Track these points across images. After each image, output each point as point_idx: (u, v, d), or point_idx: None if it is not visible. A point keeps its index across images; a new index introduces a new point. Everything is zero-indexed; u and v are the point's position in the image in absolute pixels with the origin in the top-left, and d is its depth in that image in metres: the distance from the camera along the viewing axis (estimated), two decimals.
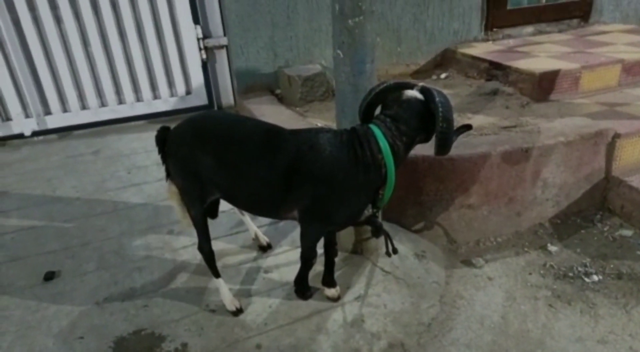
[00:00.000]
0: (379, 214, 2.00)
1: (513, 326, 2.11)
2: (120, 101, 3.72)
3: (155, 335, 2.01)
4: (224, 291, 2.09)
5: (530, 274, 2.44)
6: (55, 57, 3.46)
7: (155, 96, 3.79)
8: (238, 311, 2.07)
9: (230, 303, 2.07)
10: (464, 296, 2.30)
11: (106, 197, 2.88)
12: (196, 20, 3.66)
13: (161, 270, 2.33)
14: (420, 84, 1.73)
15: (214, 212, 2.20)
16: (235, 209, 2.40)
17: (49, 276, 2.29)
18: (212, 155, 1.78)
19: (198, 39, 3.67)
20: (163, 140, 1.95)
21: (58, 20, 3.40)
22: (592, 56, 3.60)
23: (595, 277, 2.38)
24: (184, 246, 2.48)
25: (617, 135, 2.76)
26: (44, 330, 2.03)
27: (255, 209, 1.97)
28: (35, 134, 3.62)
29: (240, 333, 2.01)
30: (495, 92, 3.49)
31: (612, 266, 2.44)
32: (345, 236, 2.39)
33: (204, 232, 2.03)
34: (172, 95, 3.82)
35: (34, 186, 3.03)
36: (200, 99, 3.85)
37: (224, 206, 2.24)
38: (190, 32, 3.66)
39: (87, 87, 3.59)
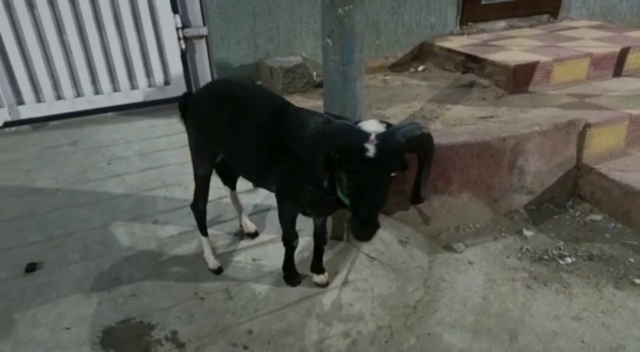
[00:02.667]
0: None
1: (494, 306, 2.20)
2: (97, 91, 3.65)
3: (144, 323, 2.01)
4: (208, 249, 2.25)
5: (508, 257, 2.55)
6: (29, 45, 3.36)
7: (133, 86, 3.73)
8: (219, 270, 2.24)
9: (213, 262, 2.24)
10: (446, 279, 2.39)
11: (88, 188, 2.83)
12: (175, 9, 3.61)
13: (148, 259, 2.32)
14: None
15: (233, 184, 2.41)
16: (229, 195, 2.44)
17: (31, 268, 2.25)
18: (224, 116, 1.93)
19: (177, 29, 3.63)
20: (185, 105, 2.10)
21: (31, 6, 3.29)
22: (562, 50, 3.75)
23: (568, 259, 2.50)
24: (170, 235, 2.48)
25: (587, 125, 2.89)
26: (29, 321, 2.00)
27: (249, 174, 2.07)
28: (7, 124, 3.51)
29: (231, 319, 2.04)
30: (471, 85, 3.60)
31: (583, 248, 2.58)
32: (334, 224, 2.44)
33: (204, 193, 2.17)
34: (150, 85, 3.77)
35: (13, 178, 2.95)
36: (179, 89, 3.81)
37: (211, 194, 2.27)
38: (169, 21, 3.61)
39: (62, 77, 3.51)
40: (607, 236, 2.68)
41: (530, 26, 4.82)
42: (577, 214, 2.90)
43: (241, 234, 2.49)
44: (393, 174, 1.49)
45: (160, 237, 2.46)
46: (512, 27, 4.77)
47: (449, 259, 2.55)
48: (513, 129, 2.74)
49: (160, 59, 3.72)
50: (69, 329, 1.97)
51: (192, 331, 1.97)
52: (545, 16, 4.96)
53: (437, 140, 2.67)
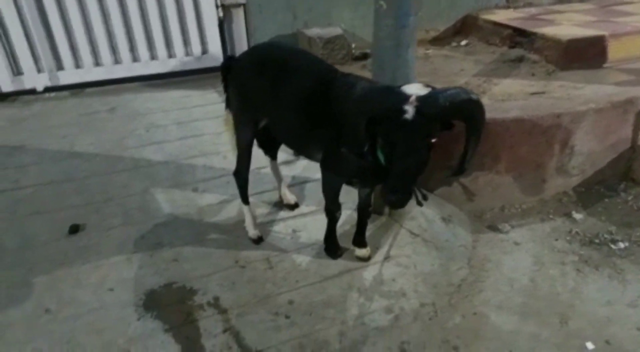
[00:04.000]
0: None
1: (542, 289, 2.11)
2: (135, 59, 3.63)
3: (186, 288, 2.00)
4: (249, 218, 2.21)
5: (556, 240, 2.44)
6: (69, 11, 3.34)
7: (170, 55, 3.69)
8: (259, 239, 2.20)
9: (254, 231, 2.20)
10: (491, 260, 2.30)
11: (126, 154, 2.83)
12: None
13: (188, 227, 2.31)
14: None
15: (274, 153, 2.35)
16: (269, 164, 2.39)
17: (74, 229, 2.26)
18: (268, 80, 1.87)
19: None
20: (228, 68, 2.05)
21: None
22: (617, 25, 3.53)
23: (621, 244, 2.38)
24: (210, 203, 2.46)
25: None
26: (71, 282, 2.02)
27: (292, 141, 2.01)
28: (47, 90, 3.53)
29: (271, 289, 2.01)
30: (520, 59, 3.43)
31: (638, 234, 2.44)
32: (375, 199, 2.37)
33: (247, 159, 2.12)
34: (187, 54, 3.73)
35: (50, 142, 2.97)
36: (216, 59, 3.75)
37: (252, 165, 2.23)
38: None
39: (101, 43, 3.50)
40: None
41: (581, 1, 4.57)
42: (629, 198, 2.75)
43: (280, 205, 2.45)
44: (433, 140, 1.41)
45: (200, 205, 2.44)
46: (560, 1, 4.53)
47: (493, 239, 2.45)
48: (567, 106, 2.59)
49: (197, 27, 3.66)
50: (111, 290, 1.98)
51: (233, 298, 1.95)
52: None
53: (488, 115, 2.55)
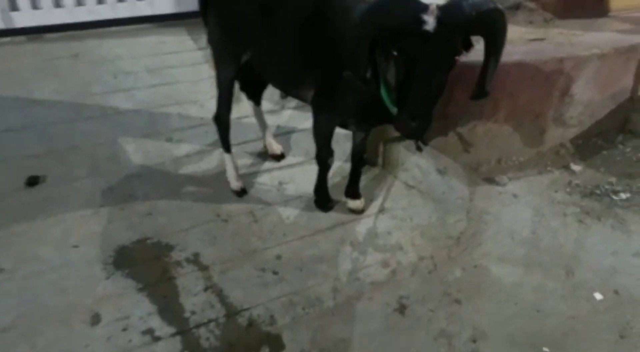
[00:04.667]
0: None
1: (544, 241, 2.00)
2: (100, 0, 3.27)
3: (162, 244, 1.81)
4: (231, 168, 2.02)
5: (556, 192, 2.33)
6: None
7: None
8: (242, 191, 2.02)
9: (235, 182, 2.02)
10: (490, 212, 2.18)
11: (92, 102, 2.56)
12: None
13: (163, 178, 2.10)
14: None
15: (259, 98, 2.14)
16: (252, 111, 2.17)
17: (33, 181, 2.02)
18: (255, 3, 1.66)
19: None
20: None
21: None
22: None
23: (622, 195, 2.28)
24: (187, 154, 2.24)
25: None
26: (31, 238, 1.80)
27: (281, 77, 1.79)
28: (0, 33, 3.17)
29: (257, 243, 1.84)
30: (517, 7, 3.22)
31: (639, 184, 2.35)
32: (368, 149, 2.19)
33: (227, 100, 1.91)
34: None
35: (6, 88, 2.66)
36: (194, 3, 3.41)
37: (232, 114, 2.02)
38: None
39: None
40: None
41: None
42: (627, 149, 2.65)
43: (265, 156, 2.25)
44: (457, 57, 1.23)
45: (176, 156, 2.22)
46: None
47: (490, 191, 2.32)
48: (570, 51, 2.44)
49: None
50: (76, 247, 1.77)
51: (215, 253, 1.78)
52: None
53: None
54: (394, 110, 1.54)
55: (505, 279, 1.79)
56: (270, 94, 2.74)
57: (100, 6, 3.28)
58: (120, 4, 3.31)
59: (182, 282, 1.67)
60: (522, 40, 2.68)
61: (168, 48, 3.17)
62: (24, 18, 3.15)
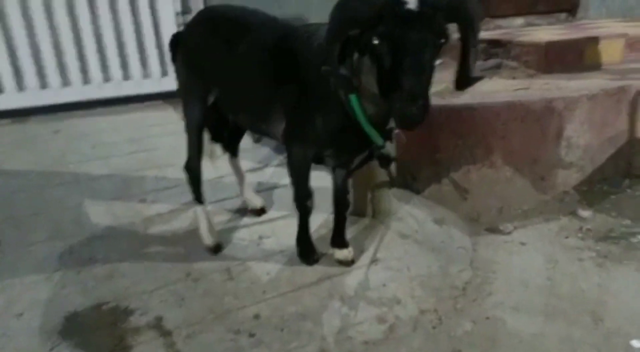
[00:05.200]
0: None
1: (563, 288, 1.75)
2: (86, 81, 3.32)
3: (120, 308, 1.56)
4: (204, 222, 1.83)
5: (567, 237, 2.11)
6: (12, 23, 3.04)
7: (126, 76, 3.40)
8: (217, 247, 1.80)
9: (208, 236, 1.81)
10: (497, 261, 1.94)
11: (66, 170, 2.43)
12: None
13: (130, 238, 1.89)
14: None
15: (234, 148, 2.02)
16: (230, 167, 2.04)
17: None
18: (220, 40, 1.64)
19: (176, 14, 3.35)
20: (176, 43, 1.80)
21: None
22: (593, 31, 3.46)
23: None
24: (159, 213, 2.06)
25: (639, 92, 2.53)
26: None
27: (250, 111, 1.68)
28: None
29: (232, 302, 1.59)
30: (498, 66, 3.26)
31: None
32: (356, 198, 2.03)
33: (197, 145, 1.78)
34: (145, 76, 3.45)
35: None
36: None
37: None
38: (167, 5, 3.34)
39: (48, 62, 3.18)
40: None
41: (549, 24, 4.58)
42: (637, 193, 2.47)
43: (244, 212, 2.07)
44: (442, 41, 1.13)
45: (147, 216, 2.04)
46: (530, 24, 4.52)
47: (495, 241, 2.11)
48: (558, 93, 2.38)
49: (157, 46, 3.42)
50: (20, 315, 1.52)
51: (181, 316, 1.52)
52: (564, 15, 4.73)
53: (476, 100, 2.31)
54: (372, 132, 1.41)
55: (524, 330, 1.51)
56: (252, 154, 2.65)
57: (87, 86, 3.31)
58: (106, 84, 3.36)
59: (140, 351, 1.40)
60: (508, 91, 2.64)
61: (151, 121, 3.14)
62: (9, 100, 3.17)
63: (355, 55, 1.30)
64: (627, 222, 2.20)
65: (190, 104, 1.74)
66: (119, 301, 1.59)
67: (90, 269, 1.72)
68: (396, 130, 1.70)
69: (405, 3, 1.09)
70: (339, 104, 1.38)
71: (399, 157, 1.65)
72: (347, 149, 1.54)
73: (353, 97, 1.33)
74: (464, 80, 1.28)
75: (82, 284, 1.65)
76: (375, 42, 1.13)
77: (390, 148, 1.63)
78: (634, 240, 2.05)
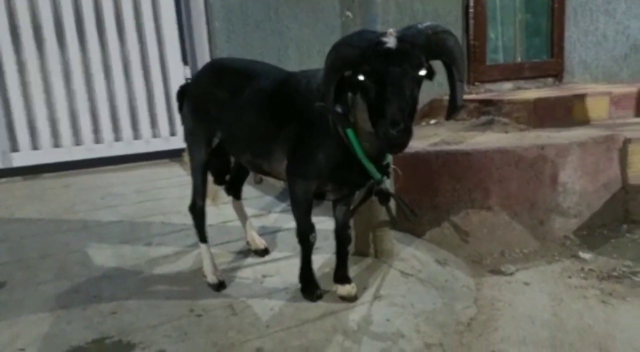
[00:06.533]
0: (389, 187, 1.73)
1: (570, 323, 1.74)
2: (98, 140, 3.47)
3: (123, 343, 1.55)
4: (208, 260, 1.85)
5: (570, 277, 2.12)
6: (32, 87, 3.25)
7: (137, 136, 3.57)
8: (220, 285, 1.81)
9: (212, 274, 1.83)
10: (501, 300, 1.94)
11: (75, 217, 2.49)
12: (185, 61, 3.62)
13: (136, 277, 1.91)
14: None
15: (238, 191, 2.09)
16: (234, 210, 2.10)
17: None
18: (225, 89, 1.75)
19: (186, 80, 3.58)
20: (183, 93, 1.92)
21: (41, 48, 3.26)
22: (579, 90, 3.67)
23: None
24: (165, 255, 2.09)
25: (627, 141, 2.65)
26: None
27: (252, 152, 1.76)
28: None
29: (235, 337, 1.57)
30: (491, 122, 3.43)
31: None
32: (358, 238, 2.06)
33: (202, 186, 1.86)
34: (154, 136, 3.62)
35: None
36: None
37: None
38: (178, 72, 3.59)
39: (63, 123, 3.35)
40: None
41: (537, 88, 4.84)
42: (636, 237, 2.50)
43: (248, 253, 2.10)
44: (422, 73, 1.25)
45: (152, 257, 2.06)
46: (518, 88, 4.78)
47: (499, 281, 2.12)
48: (549, 141, 2.50)
49: (167, 109, 3.62)
50: (22, 350, 1.51)
51: (184, 350, 1.51)
52: (551, 79, 5.01)
53: (469, 148, 2.41)
54: (369, 166, 1.50)
55: None
56: (256, 202, 2.72)
57: (98, 145, 3.47)
58: (117, 143, 3.51)
59: None
60: (500, 140, 2.77)
61: (159, 176, 3.25)
62: (23, 158, 3.30)
63: (350, 95, 1.43)
64: (629, 263, 2.22)
65: (196, 147, 1.85)
66: (122, 335, 1.58)
67: (96, 306, 1.72)
68: (393, 166, 1.80)
69: (385, 43, 1.23)
70: (338, 139, 1.49)
71: (397, 194, 1.72)
72: (347, 184, 1.62)
73: (350, 132, 1.43)
74: (451, 109, 1.39)
75: (87, 320, 1.64)
76: (361, 78, 1.26)
77: (388, 184, 1.71)
78: (637, 279, 2.06)
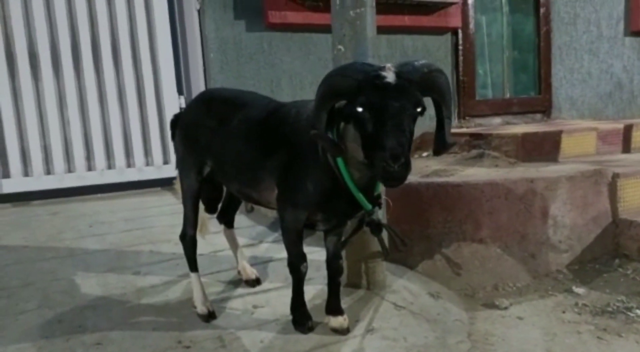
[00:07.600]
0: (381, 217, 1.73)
1: None
2: (90, 167, 3.44)
3: None
4: (197, 290, 1.82)
5: (563, 312, 2.10)
6: (26, 115, 3.24)
7: (129, 164, 3.55)
8: (210, 316, 1.77)
9: (202, 304, 1.79)
10: (495, 334, 1.91)
11: (61, 245, 2.44)
12: (180, 91, 3.65)
13: (121, 307, 1.86)
14: None
15: (230, 219, 2.10)
16: (225, 238, 2.08)
17: None
18: (215, 118, 1.77)
19: (180, 109, 3.61)
20: (176, 121, 1.94)
21: (36, 76, 3.27)
22: (566, 126, 3.75)
23: (638, 312, 2.06)
24: (153, 285, 2.04)
25: (616, 175, 2.70)
26: None
27: (242, 179, 1.74)
28: None
29: None
30: (481, 156, 3.47)
31: None
32: (350, 269, 2.04)
33: (193, 213, 1.86)
34: (147, 164, 3.60)
35: None
36: None
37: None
38: (173, 102, 3.61)
39: (56, 150, 3.32)
40: None
41: (526, 123, 4.93)
42: (628, 272, 2.50)
43: (239, 283, 2.06)
44: (419, 110, 1.27)
45: (139, 287, 2.02)
46: (507, 123, 4.87)
47: (492, 315, 2.09)
48: (538, 174, 2.53)
49: (160, 138, 3.62)
50: None
51: None
52: (539, 115, 5.12)
53: (460, 180, 2.43)
54: (359, 196, 1.50)
55: None
56: (248, 231, 2.69)
57: (90, 172, 3.44)
58: (109, 171, 3.48)
59: None
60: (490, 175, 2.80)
61: (150, 204, 3.22)
62: (14, 185, 3.25)
63: (342, 124, 1.45)
64: (622, 298, 2.21)
65: (187, 176, 1.85)
66: None
67: (79, 337, 1.66)
68: (383, 197, 1.80)
69: (385, 77, 1.25)
70: (328, 168, 1.49)
71: (389, 225, 1.72)
72: (337, 214, 1.62)
73: (340, 161, 1.44)
74: (440, 146, 1.40)
75: (70, 351, 1.58)
76: (359, 109, 1.27)
77: (379, 215, 1.71)
78: (631, 314, 2.05)
